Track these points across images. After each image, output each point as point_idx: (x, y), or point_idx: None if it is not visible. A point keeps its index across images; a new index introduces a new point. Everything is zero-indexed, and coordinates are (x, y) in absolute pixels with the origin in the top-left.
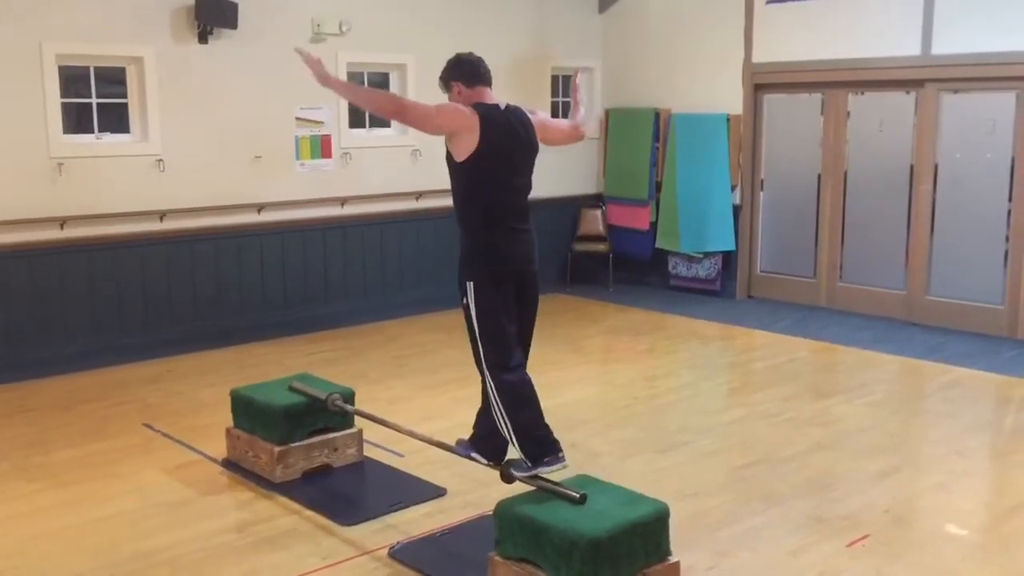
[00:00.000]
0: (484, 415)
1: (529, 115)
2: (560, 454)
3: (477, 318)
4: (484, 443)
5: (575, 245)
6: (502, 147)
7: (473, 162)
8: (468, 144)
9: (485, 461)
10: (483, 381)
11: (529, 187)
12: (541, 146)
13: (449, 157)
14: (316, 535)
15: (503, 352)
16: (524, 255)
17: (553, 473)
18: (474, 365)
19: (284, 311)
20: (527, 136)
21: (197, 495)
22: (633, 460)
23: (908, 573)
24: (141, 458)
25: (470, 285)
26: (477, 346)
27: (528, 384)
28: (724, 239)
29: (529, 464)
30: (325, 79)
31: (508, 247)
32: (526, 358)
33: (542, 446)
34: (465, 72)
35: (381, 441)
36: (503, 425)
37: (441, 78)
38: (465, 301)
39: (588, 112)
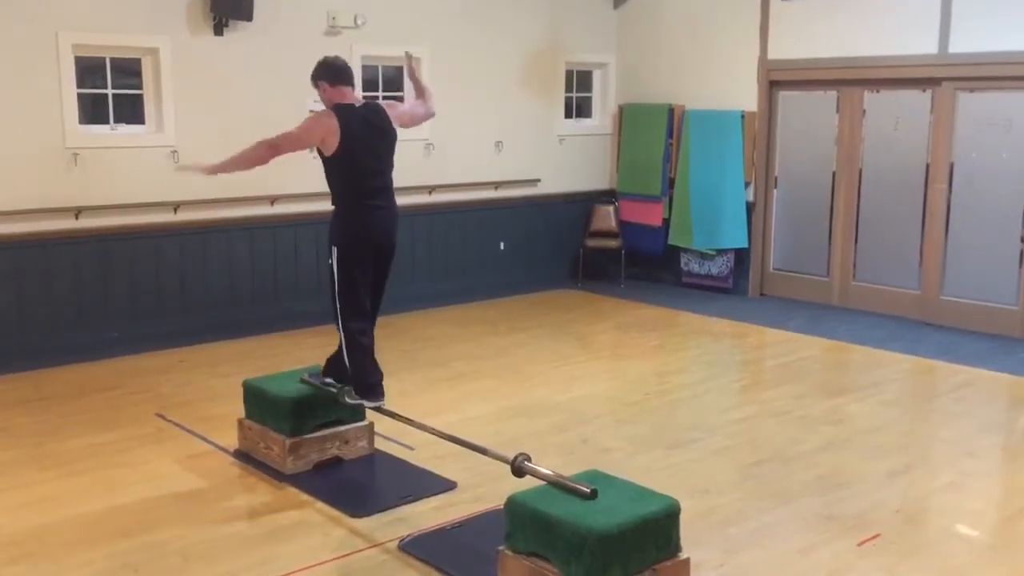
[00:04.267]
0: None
1: (386, 108)
2: (381, 398)
3: (337, 277)
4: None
5: (587, 241)
6: (360, 139)
7: (337, 155)
8: (332, 142)
9: (333, 382)
10: (337, 328)
11: (389, 168)
12: (556, 144)
13: (319, 152)
14: (327, 527)
15: (353, 307)
16: (382, 229)
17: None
18: (486, 355)
19: (297, 303)
20: (382, 126)
21: (209, 485)
22: (643, 456)
23: (918, 573)
24: (153, 448)
25: (334, 249)
26: (335, 300)
27: (368, 336)
28: (737, 236)
29: (358, 397)
30: (212, 170)
31: (369, 222)
32: (376, 312)
33: (370, 386)
34: (330, 73)
35: (392, 434)
36: (346, 363)
37: (311, 77)
38: (330, 262)
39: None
